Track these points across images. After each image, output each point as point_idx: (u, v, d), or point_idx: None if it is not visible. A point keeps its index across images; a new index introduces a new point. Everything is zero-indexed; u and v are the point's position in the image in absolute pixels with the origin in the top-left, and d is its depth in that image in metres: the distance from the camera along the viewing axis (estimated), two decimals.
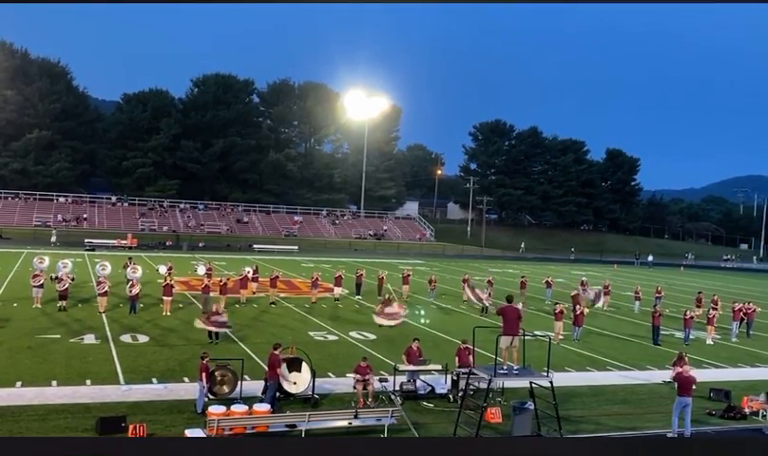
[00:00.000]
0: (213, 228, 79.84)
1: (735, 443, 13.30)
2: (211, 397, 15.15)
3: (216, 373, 15.48)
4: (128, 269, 31.46)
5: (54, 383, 16.47)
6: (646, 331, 28.04)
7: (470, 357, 16.55)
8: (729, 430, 15.86)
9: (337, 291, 32.41)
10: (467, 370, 15.40)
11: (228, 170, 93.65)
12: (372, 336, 24.41)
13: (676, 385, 15.22)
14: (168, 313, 26.27)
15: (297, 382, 16.00)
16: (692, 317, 26.77)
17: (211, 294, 27.85)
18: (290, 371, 15.95)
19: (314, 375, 16.20)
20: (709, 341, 27.07)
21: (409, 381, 17.30)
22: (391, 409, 14.47)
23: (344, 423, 14.06)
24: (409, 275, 36.24)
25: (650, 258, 79.21)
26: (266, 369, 16.16)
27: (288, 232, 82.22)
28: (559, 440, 13.34)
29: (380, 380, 16.86)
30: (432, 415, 15.74)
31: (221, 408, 13.82)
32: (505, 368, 13.91)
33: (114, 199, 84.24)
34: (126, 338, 21.88)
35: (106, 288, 26.50)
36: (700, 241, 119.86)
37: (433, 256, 74.67)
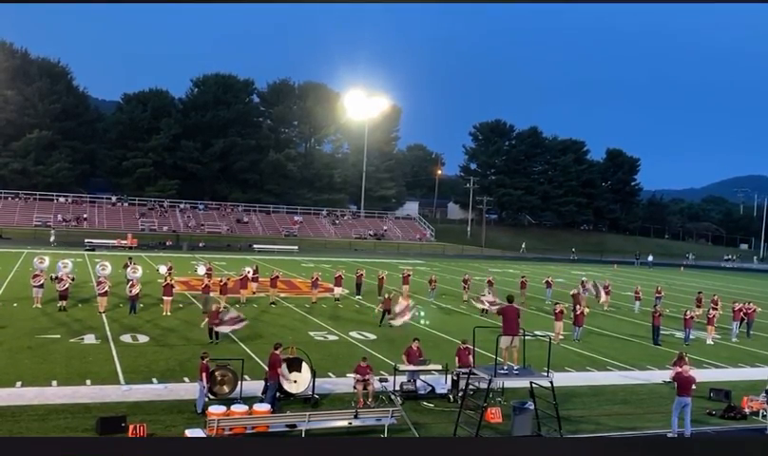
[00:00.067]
0: (213, 228, 79.84)
1: (735, 443, 13.30)
2: (211, 397, 15.15)
3: (216, 373, 15.48)
4: (128, 269, 31.48)
5: (54, 383, 16.46)
6: (646, 331, 28.04)
7: (470, 357, 16.54)
8: (729, 430, 15.86)
9: (338, 291, 32.40)
10: (467, 370, 15.40)
11: (228, 170, 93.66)
12: (372, 336, 24.41)
13: (675, 385, 15.22)
14: (168, 313, 26.27)
15: (298, 381, 16.00)
16: (692, 317, 26.76)
17: (211, 294, 27.86)
18: (290, 371, 15.95)
19: (314, 375, 16.21)
20: (709, 341, 27.06)
21: (409, 381, 17.30)
22: (391, 409, 14.47)
23: (344, 423, 14.06)
24: (409, 276, 36.26)
25: (650, 258, 79.21)
26: (266, 369, 16.17)
27: (288, 232, 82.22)
28: (559, 440, 13.34)
29: (380, 380, 16.86)
30: (433, 415, 15.74)
31: (222, 408, 13.82)
32: (505, 368, 13.91)
33: (114, 199, 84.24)
34: (126, 338, 21.88)
35: (107, 288, 26.50)
36: (700, 241, 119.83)
37: (433, 256, 74.67)
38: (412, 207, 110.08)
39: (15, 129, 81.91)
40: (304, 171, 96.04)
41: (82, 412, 14.46)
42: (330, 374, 18.44)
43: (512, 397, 16.10)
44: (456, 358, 17.62)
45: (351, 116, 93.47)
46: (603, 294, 32.58)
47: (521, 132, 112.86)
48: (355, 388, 16.14)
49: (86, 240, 58.66)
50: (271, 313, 28.31)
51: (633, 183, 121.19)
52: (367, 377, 16.07)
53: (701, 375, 19.48)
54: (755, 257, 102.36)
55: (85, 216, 76.60)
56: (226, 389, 15.53)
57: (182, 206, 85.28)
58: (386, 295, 27.56)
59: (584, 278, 33.04)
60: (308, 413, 14.12)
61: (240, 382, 15.61)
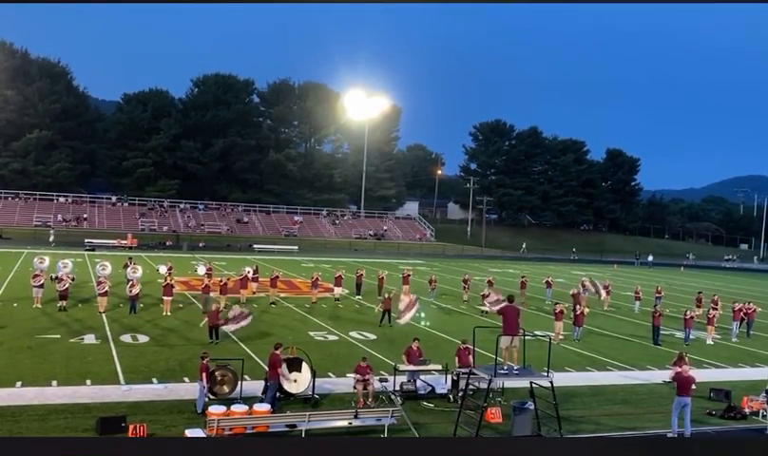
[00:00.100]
0: (213, 228, 79.83)
1: (735, 443, 13.30)
2: (211, 397, 15.15)
3: (216, 373, 15.48)
4: (128, 269, 31.47)
5: (54, 383, 16.46)
6: (646, 331, 28.03)
7: (470, 357, 16.53)
8: (729, 430, 15.86)
9: (338, 291, 32.40)
10: (467, 371, 15.40)
11: (228, 170, 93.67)
12: (372, 336, 24.42)
13: (675, 385, 15.22)
14: (168, 313, 26.27)
15: (298, 381, 16.00)
16: (692, 317, 26.76)
17: (211, 294, 27.85)
18: (290, 371, 15.95)
19: (314, 375, 16.21)
20: (709, 341, 27.06)
21: (409, 381, 17.30)
22: (391, 409, 14.47)
23: (344, 423, 14.06)
24: (409, 276, 36.25)
25: (650, 258, 79.21)
26: (266, 369, 16.17)
27: (288, 232, 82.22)
28: (559, 440, 13.33)
29: (380, 380, 16.86)
30: (432, 415, 15.73)
31: (222, 408, 13.82)
32: (505, 368, 13.91)
33: (114, 199, 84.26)
34: (126, 338, 21.88)
35: (107, 288, 26.50)
36: (700, 241, 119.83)
37: (434, 256, 74.67)
38: (412, 207, 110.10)
39: (15, 129, 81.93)
40: (304, 171, 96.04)
41: (82, 412, 14.46)
42: (330, 374, 18.44)
43: (512, 397, 16.10)
44: (456, 358, 17.62)
45: (351, 116, 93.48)
46: (602, 291, 32.69)
47: (521, 132, 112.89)
48: (355, 388, 16.14)
49: (86, 240, 58.67)
50: (271, 313, 28.30)
51: (633, 183, 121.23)
52: (367, 377, 16.07)
53: (701, 375, 19.48)
54: (755, 258, 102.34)
55: (85, 216, 76.60)
56: (226, 389, 15.53)
57: (182, 206, 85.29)
58: (386, 295, 27.56)
59: (584, 279, 33.09)
60: (308, 413, 14.12)
61: (240, 382, 15.61)
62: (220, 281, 29.08)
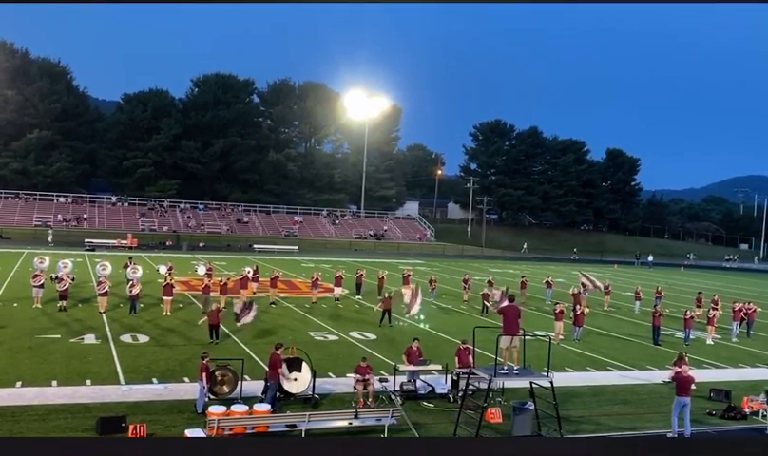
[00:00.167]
0: (213, 228, 79.84)
1: (735, 443, 13.29)
2: (211, 397, 15.16)
3: (216, 373, 15.48)
4: (129, 269, 31.46)
5: (54, 383, 16.47)
6: (647, 331, 28.03)
7: (470, 357, 16.53)
8: (729, 430, 15.86)
9: (338, 291, 32.40)
10: (467, 371, 15.40)
11: (228, 170, 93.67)
12: (372, 336, 24.42)
13: (674, 384, 15.22)
14: (168, 313, 26.27)
15: (298, 380, 16.00)
16: (692, 317, 26.75)
17: (211, 294, 27.84)
18: (290, 371, 15.96)
19: (314, 375, 16.21)
20: (709, 341, 27.06)
21: (409, 381, 17.30)
22: (391, 409, 14.47)
23: (344, 423, 14.06)
24: (409, 276, 36.26)
25: (650, 258, 79.20)
26: (266, 369, 16.17)
27: (288, 232, 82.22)
28: (559, 440, 13.34)
29: (380, 380, 16.86)
30: (432, 415, 15.74)
31: (222, 408, 13.83)
32: (505, 368, 13.91)
33: (114, 199, 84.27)
34: (127, 338, 21.88)
35: (107, 288, 26.50)
36: (700, 241, 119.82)
37: (434, 256, 74.67)
38: (412, 207, 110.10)
39: (15, 129, 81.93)
40: (304, 171, 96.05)
41: (82, 412, 14.46)
42: (330, 374, 18.44)
43: (512, 397, 16.10)
44: (456, 358, 17.61)
45: (351, 116, 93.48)
46: (598, 282, 32.94)
47: (521, 132, 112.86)
48: (355, 388, 16.14)
49: (86, 240, 58.67)
50: (271, 313, 28.30)
51: (633, 183, 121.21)
52: (367, 377, 16.07)
53: (702, 375, 19.50)
54: (755, 258, 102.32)
55: (85, 216, 76.60)
56: (226, 389, 15.53)
57: (182, 206, 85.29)
58: (386, 295, 27.58)
59: (581, 277, 33.06)
60: (308, 413, 14.12)
61: (240, 382, 15.62)
62: (221, 281, 29.07)
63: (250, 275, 32.06)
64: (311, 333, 24.47)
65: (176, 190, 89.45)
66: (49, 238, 59.18)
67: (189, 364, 18.28)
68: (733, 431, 15.83)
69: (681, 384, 14.82)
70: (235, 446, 11.23)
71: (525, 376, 14.20)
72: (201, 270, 34.79)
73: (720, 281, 60.81)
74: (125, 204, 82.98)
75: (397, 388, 16.85)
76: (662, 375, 20.45)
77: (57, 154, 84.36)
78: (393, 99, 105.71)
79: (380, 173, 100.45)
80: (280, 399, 15.74)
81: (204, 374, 15.01)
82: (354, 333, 24.76)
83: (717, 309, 29.65)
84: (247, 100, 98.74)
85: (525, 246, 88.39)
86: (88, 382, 16.73)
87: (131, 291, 26.54)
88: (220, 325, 22.33)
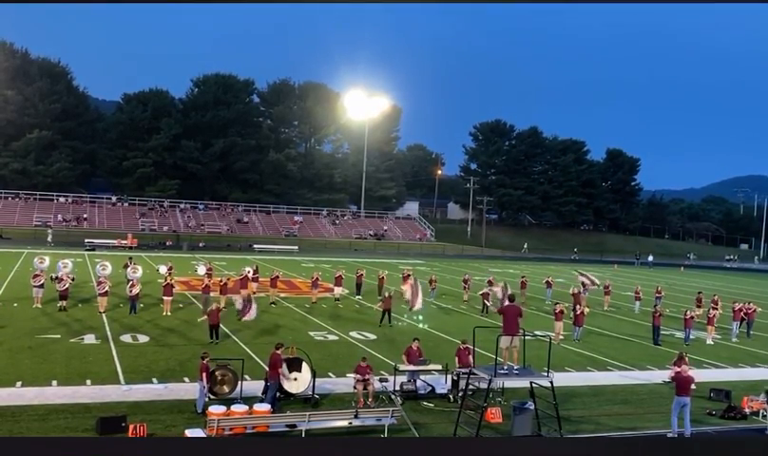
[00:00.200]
0: (213, 228, 79.84)
1: (735, 443, 13.29)
2: (211, 397, 15.16)
3: (216, 373, 15.48)
4: (129, 269, 31.46)
5: (54, 383, 16.46)
6: (647, 331, 28.03)
7: (470, 357, 16.54)
8: (729, 430, 15.86)
9: (338, 291, 32.40)
10: (467, 371, 15.40)
11: (228, 170, 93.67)
12: (372, 336, 24.42)
13: (674, 384, 15.22)
14: (168, 313, 26.27)
15: (298, 380, 16.00)
16: (692, 317, 26.76)
17: (211, 294, 27.83)
18: (290, 371, 15.96)
19: (314, 375, 16.21)
20: (709, 341, 27.06)
21: (409, 381, 17.30)
22: (391, 409, 14.47)
23: (344, 423, 14.06)
24: (409, 276, 36.17)
25: (650, 258, 79.20)
26: (266, 368, 16.17)
27: (288, 232, 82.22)
28: (559, 440, 13.33)
29: (380, 380, 16.86)
30: (433, 415, 15.74)
31: (222, 408, 13.83)
32: (505, 368, 13.91)
33: (114, 199, 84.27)
34: (127, 338, 21.88)
35: (107, 288, 26.49)
36: (700, 241, 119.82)
37: (434, 256, 74.67)
38: (412, 207, 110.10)
39: (15, 129, 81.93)
40: (304, 171, 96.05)
41: (82, 412, 14.46)
42: (330, 374, 18.44)
43: (512, 397, 16.10)
44: (456, 358, 17.61)
45: (351, 116, 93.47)
46: (596, 279, 33.11)
47: (521, 132, 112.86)
48: (355, 388, 16.14)
49: (86, 240, 58.68)
50: (271, 313, 28.29)
51: (633, 183, 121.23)
52: (367, 377, 16.07)
53: (702, 375, 19.51)
54: (755, 258, 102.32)
55: (85, 216, 76.60)
56: (226, 388, 15.53)
57: (182, 206, 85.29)
58: (386, 295, 27.59)
59: (584, 280, 33.11)
60: (308, 413, 14.12)
61: (240, 382, 15.62)
62: (221, 281, 29.07)
63: (250, 275, 32.04)
64: (311, 333, 24.47)
65: (176, 190, 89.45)
66: (49, 238, 59.18)
67: (189, 364, 18.28)
68: (733, 431, 15.83)
69: (681, 384, 14.82)
70: (235, 446, 11.23)
71: (525, 376, 14.20)
72: (202, 270, 34.78)
73: (720, 281, 60.81)
74: (125, 204, 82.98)
75: (397, 388, 16.85)
76: (662, 375, 20.45)
77: (57, 154, 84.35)
78: (393, 99, 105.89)
79: (380, 173, 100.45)
80: (280, 399, 15.74)
81: (204, 374, 15.01)
82: (354, 333, 24.76)
83: (717, 309, 29.65)
84: (247, 100, 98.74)
85: (525, 246, 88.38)
86: (88, 382, 16.73)
87: (131, 291, 26.54)
88: (221, 325, 22.34)
